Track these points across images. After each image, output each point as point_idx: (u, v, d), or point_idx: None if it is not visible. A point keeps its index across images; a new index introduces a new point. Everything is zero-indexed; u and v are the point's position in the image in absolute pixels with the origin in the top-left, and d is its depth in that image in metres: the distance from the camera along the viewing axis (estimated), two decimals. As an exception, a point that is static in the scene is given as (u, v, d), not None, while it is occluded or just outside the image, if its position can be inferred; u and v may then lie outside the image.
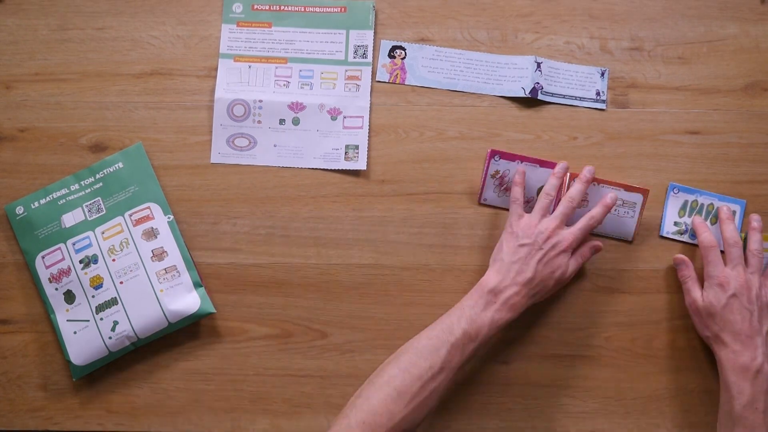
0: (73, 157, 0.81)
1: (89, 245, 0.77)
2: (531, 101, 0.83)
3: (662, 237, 0.81)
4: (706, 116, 0.83)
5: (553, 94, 0.83)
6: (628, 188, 0.78)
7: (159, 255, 0.77)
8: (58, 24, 0.83)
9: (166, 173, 0.81)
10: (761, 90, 0.83)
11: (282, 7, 0.84)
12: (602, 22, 0.85)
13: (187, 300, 0.76)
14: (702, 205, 0.80)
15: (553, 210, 0.75)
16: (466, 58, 0.84)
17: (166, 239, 0.78)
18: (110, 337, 0.75)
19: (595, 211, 0.75)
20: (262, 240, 0.80)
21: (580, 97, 0.83)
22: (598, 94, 0.83)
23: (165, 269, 0.76)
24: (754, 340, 0.71)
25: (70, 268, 0.76)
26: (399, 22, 0.84)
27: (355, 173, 0.82)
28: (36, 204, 0.79)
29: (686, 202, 0.80)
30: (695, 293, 0.75)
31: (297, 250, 0.80)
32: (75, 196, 0.79)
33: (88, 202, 0.78)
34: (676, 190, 0.80)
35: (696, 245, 0.80)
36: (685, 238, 0.81)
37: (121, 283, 0.76)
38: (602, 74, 0.84)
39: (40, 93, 0.82)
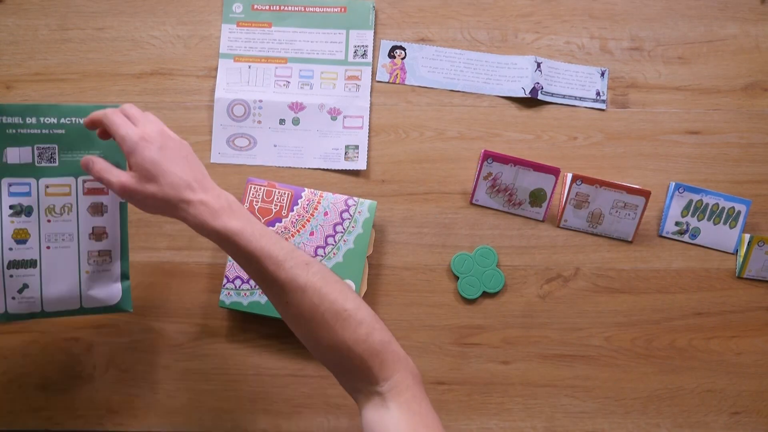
0: (73, 157, 0.81)
1: (27, 194, 0.67)
2: (531, 101, 0.83)
3: (662, 236, 0.81)
4: (706, 116, 0.83)
5: (553, 94, 0.83)
6: (631, 191, 0.78)
7: (99, 235, 0.69)
8: (58, 24, 0.83)
9: (166, 173, 0.81)
10: (761, 90, 0.83)
11: (282, 7, 0.84)
12: (602, 22, 0.85)
13: (108, 290, 0.70)
14: (707, 204, 0.80)
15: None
16: (466, 58, 0.84)
17: (112, 221, 0.70)
18: (14, 298, 0.67)
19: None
20: (262, 240, 0.80)
21: (580, 97, 0.83)
22: (598, 94, 0.83)
23: (98, 251, 0.69)
24: (206, 182, 0.60)
25: None
26: (399, 22, 0.84)
27: (355, 173, 0.82)
28: None
29: (691, 201, 0.80)
30: (118, 174, 0.60)
31: (297, 250, 0.80)
32: (29, 131, 0.66)
33: (42, 146, 0.66)
34: (681, 190, 0.80)
35: (696, 245, 0.81)
36: (685, 238, 0.81)
37: (48, 248, 0.67)
38: (602, 74, 0.84)
39: (40, 93, 0.82)
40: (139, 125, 0.60)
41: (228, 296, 0.76)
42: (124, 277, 0.71)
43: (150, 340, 0.78)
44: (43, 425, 0.77)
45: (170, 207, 0.59)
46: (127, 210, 0.71)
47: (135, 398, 0.78)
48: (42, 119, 0.66)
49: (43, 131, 0.67)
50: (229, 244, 0.58)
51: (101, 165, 0.61)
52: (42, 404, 0.78)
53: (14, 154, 0.66)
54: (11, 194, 0.67)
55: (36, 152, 0.67)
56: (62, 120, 0.67)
